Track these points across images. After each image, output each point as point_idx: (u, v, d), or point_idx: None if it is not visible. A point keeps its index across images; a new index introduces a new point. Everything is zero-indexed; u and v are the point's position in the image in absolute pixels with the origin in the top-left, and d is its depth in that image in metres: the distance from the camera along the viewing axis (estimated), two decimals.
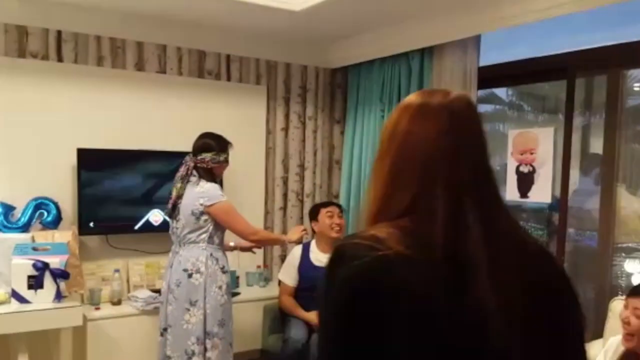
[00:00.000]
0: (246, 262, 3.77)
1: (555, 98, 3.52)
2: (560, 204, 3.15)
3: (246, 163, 3.81)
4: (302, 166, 4.22)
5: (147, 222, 3.51)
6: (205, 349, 2.78)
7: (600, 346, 2.29)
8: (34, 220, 3.16)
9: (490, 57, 3.34)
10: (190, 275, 2.78)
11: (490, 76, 3.39)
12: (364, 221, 0.91)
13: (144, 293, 3.36)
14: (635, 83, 3.13)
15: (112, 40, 3.47)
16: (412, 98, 0.93)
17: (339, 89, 4.37)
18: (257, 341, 3.54)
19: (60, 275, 2.74)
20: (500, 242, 0.85)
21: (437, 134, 0.88)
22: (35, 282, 2.68)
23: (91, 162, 3.33)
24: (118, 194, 3.43)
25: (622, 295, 2.58)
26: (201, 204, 2.79)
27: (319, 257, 3.41)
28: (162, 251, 3.45)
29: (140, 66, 3.58)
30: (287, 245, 3.90)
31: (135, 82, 3.56)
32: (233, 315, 2.93)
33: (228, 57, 3.89)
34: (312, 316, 3.24)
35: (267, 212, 4.12)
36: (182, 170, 2.88)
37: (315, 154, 4.27)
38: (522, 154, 3.24)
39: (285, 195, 4.18)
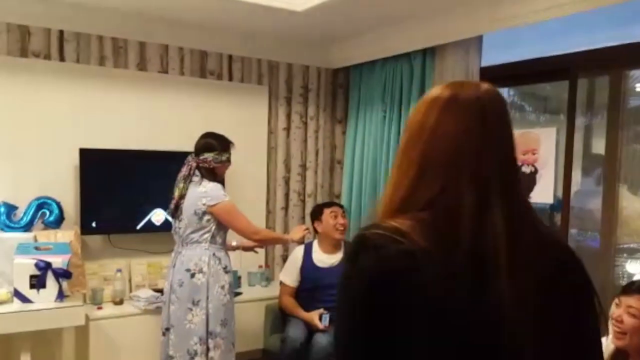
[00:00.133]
0: (248, 262, 3.78)
1: (557, 98, 3.52)
2: (562, 204, 3.15)
3: (248, 163, 3.81)
4: (303, 166, 4.23)
5: (149, 222, 3.52)
6: (208, 349, 2.79)
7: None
8: (37, 219, 3.16)
9: (492, 57, 3.34)
10: (192, 275, 2.79)
11: (492, 76, 3.38)
12: (383, 212, 0.89)
13: (146, 293, 3.37)
14: (637, 83, 3.12)
15: (115, 40, 3.48)
16: (441, 91, 0.92)
17: (341, 89, 4.37)
18: (258, 341, 3.54)
19: (63, 274, 2.74)
20: (522, 238, 0.84)
21: (466, 127, 0.87)
22: (37, 282, 2.68)
23: (93, 161, 3.33)
24: (120, 194, 3.44)
25: None
26: (204, 204, 2.79)
27: (321, 258, 3.41)
28: (164, 251, 3.46)
29: (142, 66, 3.58)
30: (290, 245, 3.90)
31: (138, 82, 3.57)
32: (235, 315, 2.94)
33: (230, 57, 3.90)
34: (312, 316, 3.24)
35: (268, 212, 4.12)
36: (184, 171, 2.88)
37: (317, 153, 4.28)
38: (524, 154, 3.24)
39: (287, 195, 4.18)
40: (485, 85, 0.91)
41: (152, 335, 3.14)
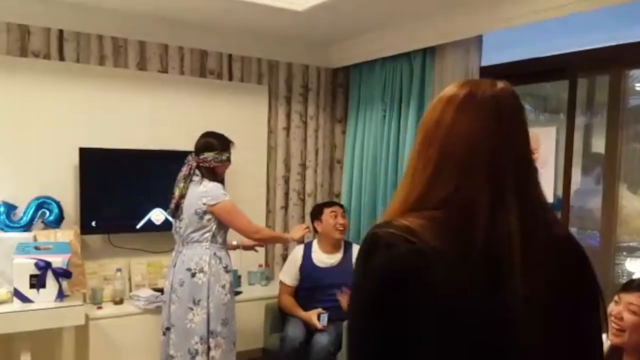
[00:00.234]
0: (248, 261, 3.78)
1: (557, 98, 3.53)
2: (562, 203, 3.15)
3: (248, 162, 3.81)
4: (303, 165, 4.23)
5: (149, 222, 3.51)
6: (209, 348, 2.79)
7: None
8: (36, 219, 3.16)
9: (492, 57, 3.34)
10: (193, 275, 2.79)
11: (492, 76, 3.37)
12: (397, 210, 0.89)
13: (146, 292, 3.36)
14: (637, 83, 3.13)
15: (114, 40, 3.47)
16: (457, 89, 0.92)
17: (341, 88, 4.37)
18: (258, 340, 3.54)
19: (63, 274, 2.73)
20: (535, 237, 0.84)
21: (482, 125, 0.87)
22: (37, 282, 2.68)
23: (93, 161, 3.33)
24: (120, 193, 3.44)
25: None
26: (204, 204, 2.79)
27: (321, 258, 3.41)
28: (164, 250, 3.46)
29: (142, 65, 3.58)
30: (289, 244, 3.91)
31: (137, 81, 3.57)
32: (235, 314, 2.94)
33: (230, 56, 3.90)
34: (310, 316, 3.24)
35: (268, 211, 4.12)
36: (184, 170, 2.88)
37: (316, 153, 4.28)
38: None
39: (286, 195, 4.18)
40: (500, 84, 0.91)
41: (152, 335, 3.14)
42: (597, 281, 0.91)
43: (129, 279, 3.54)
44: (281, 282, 3.49)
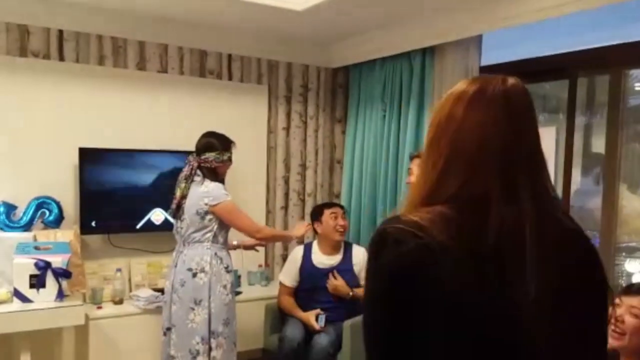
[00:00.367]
0: (248, 261, 3.77)
1: (556, 98, 3.52)
2: (562, 203, 3.15)
3: (247, 162, 3.81)
4: (303, 165, 4.23)
5: (149, 222, 3.51)
6: (210, 348, 2.79)
7: None
8: (36, 219, 3.16)
9: (491, 56, 3.34)
10: (194, 275, 2.79)
11: None
12: (408, 205, 0.91)
13: (146, 292, 3.36)
14: (637, 83, 3.13)
15: (114, 40, 3.47)
16: (467, 85, 0.92)
17: (341, 88, 4.37)
18: (258, 340, 3.54)
19: (62, 274, 2.73)
20: (546, 234, 0.85)
21: (493, 121, 0.88)
22: (37, 281, 2.68)
23: (93, 161, 3.33)
24: (120, 193, 3.43)
25: None
26: (206, 204, 2.79)
27: (321, 259, 3.40)
28: (163, 250, 3.46)
29: (141, 65, 3.58)
30: (290, 244, 3.91)
31: (137, 81, 3.56)
32: (236, 314, 2.94)
33: (229, 56, 3.89)
34: (309, 317, 3.24)
35: (268, 212, 4.12)
36: (185, 170, 2.88)
37: (316, 153, 4.28)
38: None
39: (286, 195, 4.18)
40: (511, 80, 0.92)
41: (151, 335, 3.14)
42: (605, 278, 0.92)
43: (129, 279, 3.54)
44: (281, 283, 3.49)
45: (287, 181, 4.18)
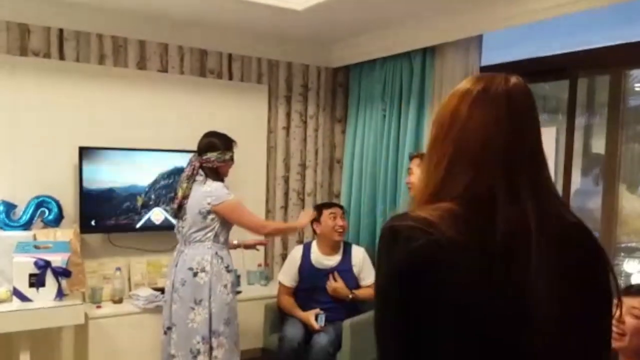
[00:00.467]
0: (247, 261, 3.77)
1: (556, 98, 3.52)
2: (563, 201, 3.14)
3: (247, 162, 3.80)
4: (303, 165, 4.23)
5: (149, 221, 3.51)
6: (211, 348, 2.79)
7: None
8: (36, 218, 3.16)
9: (492, 57, 3.34)
10: (195, 274, 2.79)
11: None
12: (415, 202, 0.92)
13: (146, 291, 3.36)
14: (637, 83, 3.13)
15: (114, 39, 3.47)
16: (471, 84, 0.93)
17: (341, 88, 4.37)
18: (258, 340, 3.54)
19: (62, 273, 2.73)
20: (551, 230, 0.85)
21: (497, 119, 0.88)
22: (37, 281, 2.68)
23: (93, 160, 3.33)
24: (119, 192, 3.43)
25: None
26: (208, 203, 2.80)
27: (320, 259, 3.40)
28: (163, 249, 3.46)
29: (142, 65, 3.58)
30: (293, 240, 3.90)
31: (137, 80, 3.56)
32: (237, 313, 2.94)
33: (230, 56, 3.89)
34: (308, 316, 3.24)
35: (268, 211, 4.12)
36: (188, 170, 2.88)
37: (316, 152, 4.28)
38: None
39: (286, 194, 4.18)
40: (514, 79, 0.93)
41: (151, 334, 3.14)
42: (610, 273, 0.92)
43: (129, 278, 3.54)
44: (280, 283, 3.49)
45: (287, 181, 4.18)
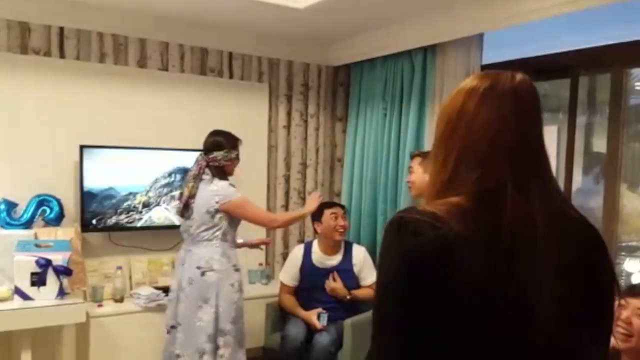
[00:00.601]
0: (248, 260, 3.77)
1: (557, 97, 3.52)
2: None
3: (248, 161, 3.77)
4: (304, 164, 4.22)
5: (150, 220, 3.51)
6: (218, 347, 2.78)
7: None
8: (37, 217, 3.15)
9: (493, 55, 3.33)
10: (203, 273, 2.78)
11: None
12: (424, 200, 0.92)
13: (147, 290, 3.36)
14: (638, 82, 3.12)
15: (115, 37, 3.47)
16: (478, 81, 0.93)
17: (341, 86, 4.37)
18: (259, 339, 3.54)
19: (63, 272, 2.74)
20: (555, 225, 0.86)
21: (504, 116, 0.89)
22: (38, 279, 2.68)
23: (93, 158, 3.33)
24: (120, 191, 3.43)
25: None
26: (216, 202, 2.80)
27: (321, 259, 3.40)
28: (164, 248, 3.46)
29: (142, 63, 3.58)
30: (290, 239, 3.90)
31: (138, 79, 3.56)
32: (244, 313, 2.94)
33: (230, 54, 3.89)
34: (310, 316, 3.24)
35: (268, 210, 4.12)
36: (194, 170, 2.88)
37: (317, 151, 4.27)
38: None
39: (287, 193, 4.18)
40: (519, 76, 0.93)
41: (152, 333, 3.14)
42: (614, 272, 0.92)
43: (130, 277, 3.54)
44: (281, 282, 3.49)
45: (287, 180, 4.18)
